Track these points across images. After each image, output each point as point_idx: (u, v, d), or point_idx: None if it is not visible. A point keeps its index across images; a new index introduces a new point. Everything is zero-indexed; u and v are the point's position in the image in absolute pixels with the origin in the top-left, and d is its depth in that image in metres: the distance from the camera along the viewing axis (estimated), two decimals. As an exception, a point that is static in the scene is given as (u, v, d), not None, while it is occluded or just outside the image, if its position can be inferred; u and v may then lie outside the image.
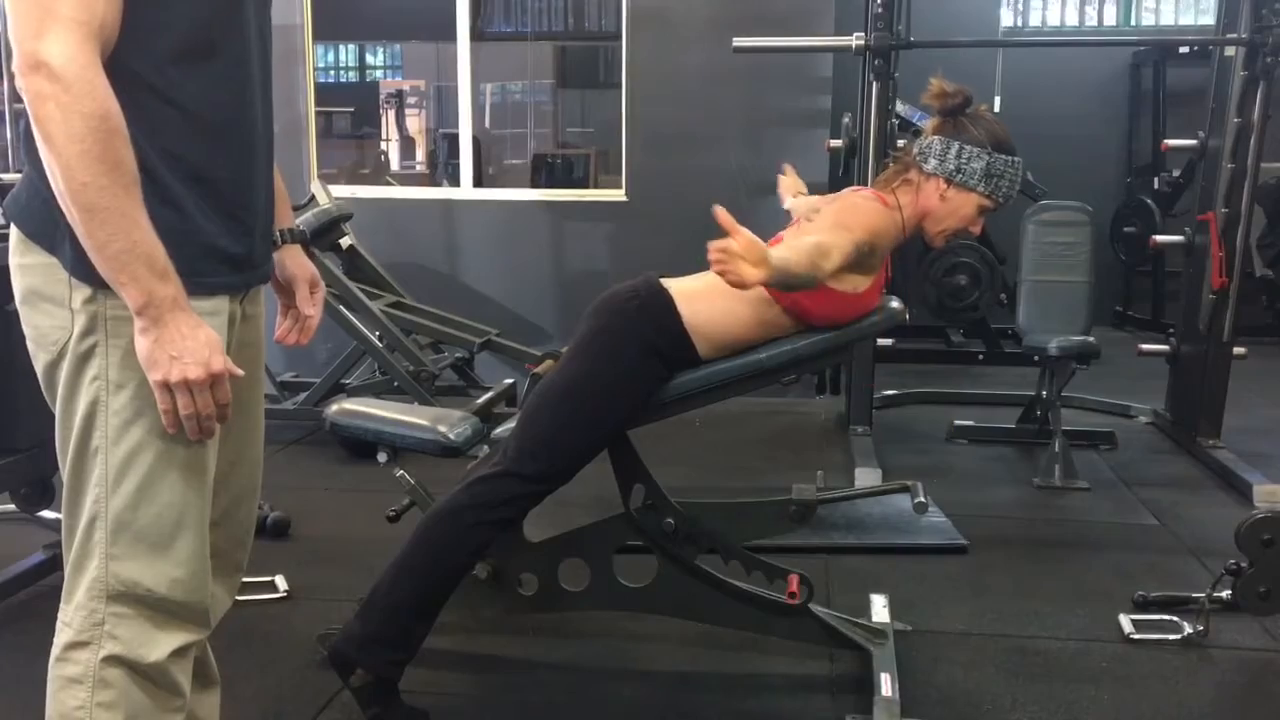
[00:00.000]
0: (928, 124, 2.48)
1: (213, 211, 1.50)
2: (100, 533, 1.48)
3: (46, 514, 3.37)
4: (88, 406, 1.47)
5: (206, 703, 1.83)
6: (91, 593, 1.50)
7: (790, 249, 2.13)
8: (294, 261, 1.82)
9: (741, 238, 1.92)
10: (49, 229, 1.45)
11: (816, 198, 2.72)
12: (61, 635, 1.53)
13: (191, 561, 1.54)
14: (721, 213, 1.92)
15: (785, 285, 2.14)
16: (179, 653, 1.55)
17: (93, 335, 1.45)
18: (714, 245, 1.91)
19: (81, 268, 1.43)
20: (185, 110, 1.45)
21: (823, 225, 2.29)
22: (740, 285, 1.95)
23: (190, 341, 1.42)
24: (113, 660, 1.50)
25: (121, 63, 1.39)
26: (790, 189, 2.85)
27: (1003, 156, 2.37)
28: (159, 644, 1.53)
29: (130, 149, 1.36)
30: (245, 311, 1.65)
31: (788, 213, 2.74)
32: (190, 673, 1.61)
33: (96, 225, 1.35)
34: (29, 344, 1.53)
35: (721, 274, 1.94)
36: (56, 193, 1.37)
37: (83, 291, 1.45)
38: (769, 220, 4.99)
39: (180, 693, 1.58)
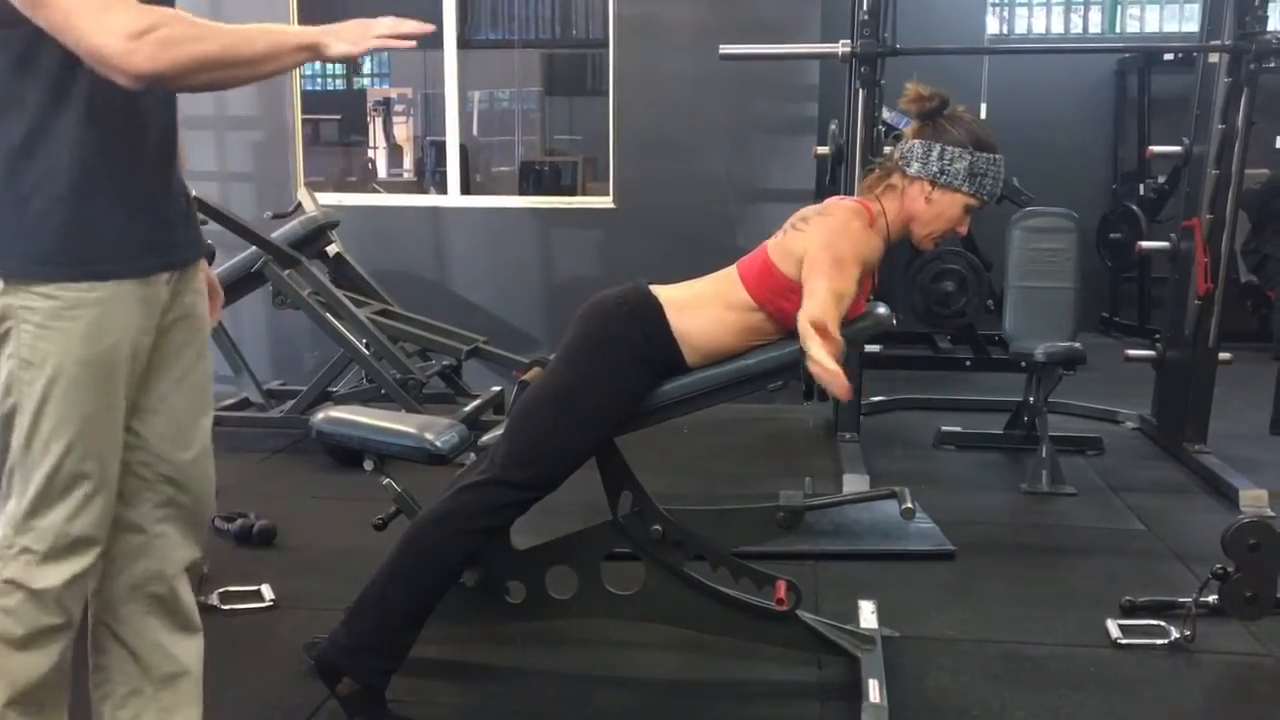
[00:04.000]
0: (908, 128, 2.49)
1: (134, 203, 1.76)
2: (18, 480, 1.76)
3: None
4: (6, 377, 1.73)
5: (189, 647, 2.04)
6: (4, 526, 1.79)
7: (820, 308, 2.16)
8: None
9: (823, 346, 2.07)
10: None
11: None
12: None
13: (90, 502, 1.78)
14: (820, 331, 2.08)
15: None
16: (70, 582, 1.79)
17: (7, 321, 1.70)
18: (818, 368, 2.06)
19: None
20: (96, 117, 1.68)
21: (818, 257, 2.28)
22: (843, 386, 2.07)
23: (341, 29, 1.72)
24: (11, 584, 1.77)
25: (54, 69, 1.64)
26: None
27: (984, 154, 2.38)
28: (52, 574, 1.77)
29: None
30: (178, 289, 1.88)
31: None
32: (83, 596, 1.85)
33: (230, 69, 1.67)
34: None
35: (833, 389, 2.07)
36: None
37: None
38: (756, 226, 5.03)
39: (69, 615, 1.82)
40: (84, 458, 1.76)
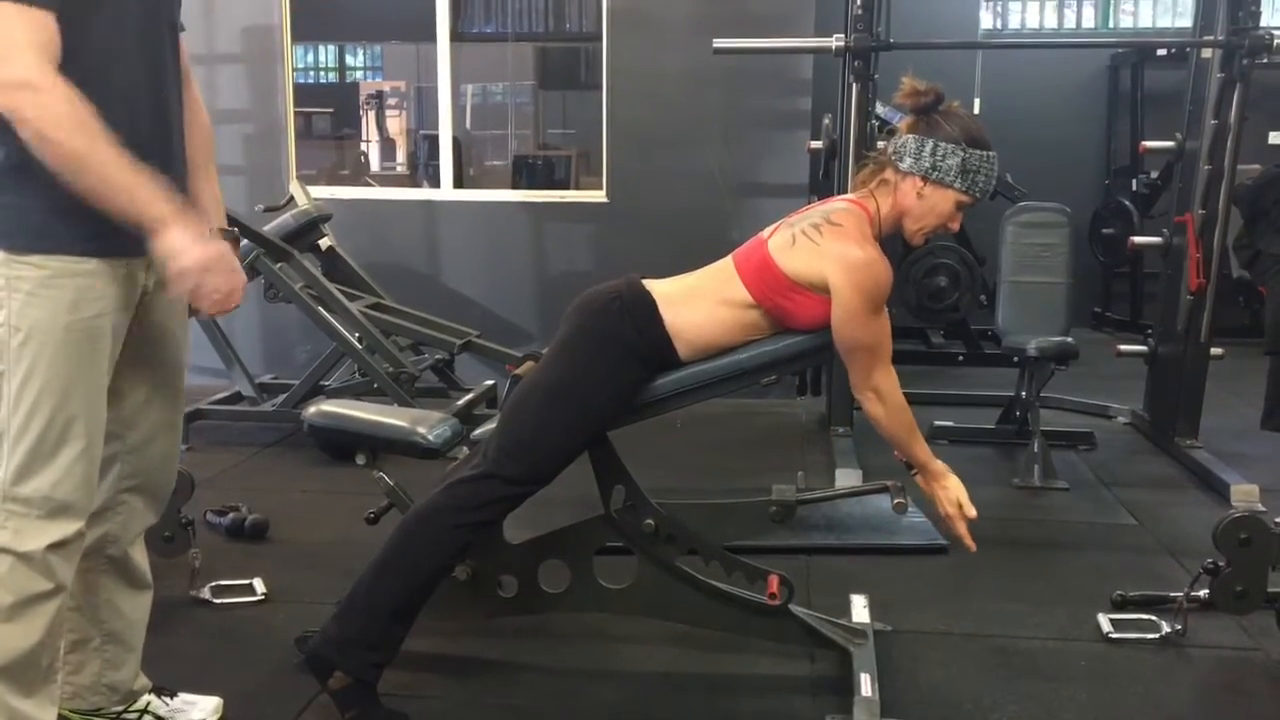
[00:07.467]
0: (901, 123, 2.48)
1: None
2: (6, 445, 1.85)
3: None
4: None
5: (137, 603, 2.22)
6: None
7: (898, 418, 2.43)
8: None
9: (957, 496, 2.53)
10: None
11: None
12: None
13: (74, 467, 1.88)
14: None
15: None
16: (57, 545, 1.87)
17: (1, 290, 1.82)
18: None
19: None
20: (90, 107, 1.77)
21: (855, 305, 2.28)
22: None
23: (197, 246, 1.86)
24: (2, 550, 1.85)
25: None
26: None
27: (977, 152, 2.36)
28: (38, 537, 1.86)
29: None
30: (161, 275, 1.95)
31: None
32: (73, 563, 1.93)
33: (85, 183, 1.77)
34: None
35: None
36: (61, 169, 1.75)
37: None
38: (749, 220, 5.02)
39: (57, 579, 1.89)
40: (69, 423, 1.86)
